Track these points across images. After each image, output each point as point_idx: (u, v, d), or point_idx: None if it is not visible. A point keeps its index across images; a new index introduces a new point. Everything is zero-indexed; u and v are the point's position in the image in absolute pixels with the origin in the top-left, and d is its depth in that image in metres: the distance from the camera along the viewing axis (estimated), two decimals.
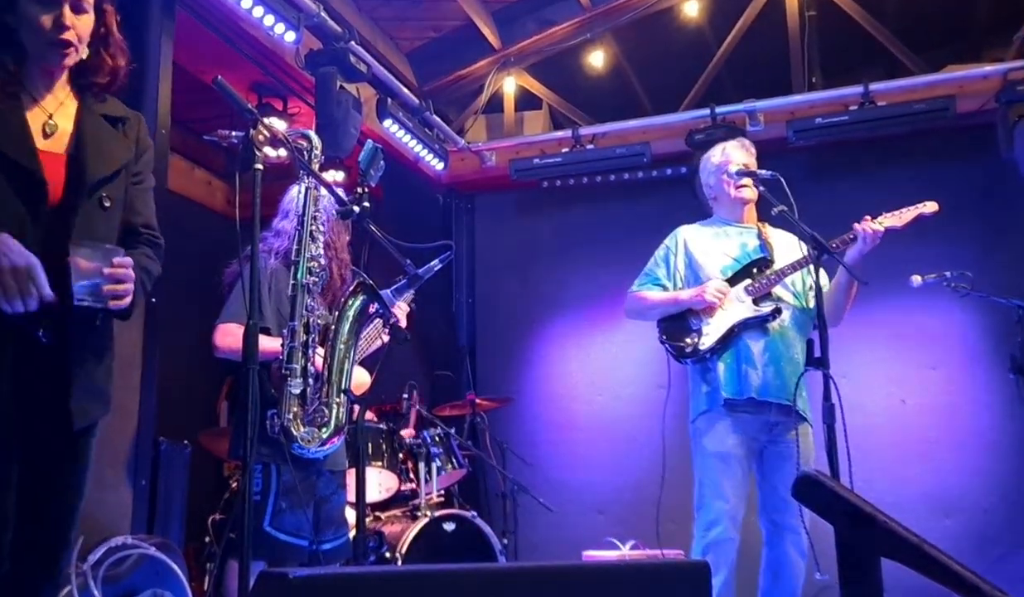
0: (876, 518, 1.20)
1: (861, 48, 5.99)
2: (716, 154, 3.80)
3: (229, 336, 3.05)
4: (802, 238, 3.36)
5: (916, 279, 4.57)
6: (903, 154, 5.46)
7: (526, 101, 6.55)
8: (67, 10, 2.09)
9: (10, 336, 2.00)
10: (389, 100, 5.34)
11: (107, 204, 2.17)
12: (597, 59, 6.23)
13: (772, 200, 3.36)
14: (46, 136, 2.12)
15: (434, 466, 4.70)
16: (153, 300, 3.76)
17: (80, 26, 2.12)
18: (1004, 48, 5.59)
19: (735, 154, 3.73)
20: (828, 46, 5.96)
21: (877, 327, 5.38)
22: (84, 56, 2.18)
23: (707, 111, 5.54)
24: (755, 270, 3.61)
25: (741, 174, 3.58)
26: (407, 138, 5.61)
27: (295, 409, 2.85)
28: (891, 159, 5.47)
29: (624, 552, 4.68)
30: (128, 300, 2.09)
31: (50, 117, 2.14)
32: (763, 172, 3.48)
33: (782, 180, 3.40)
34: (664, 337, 3.68)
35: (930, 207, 3.52)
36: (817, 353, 3.03)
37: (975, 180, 5.39)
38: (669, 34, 6.18)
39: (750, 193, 3.69)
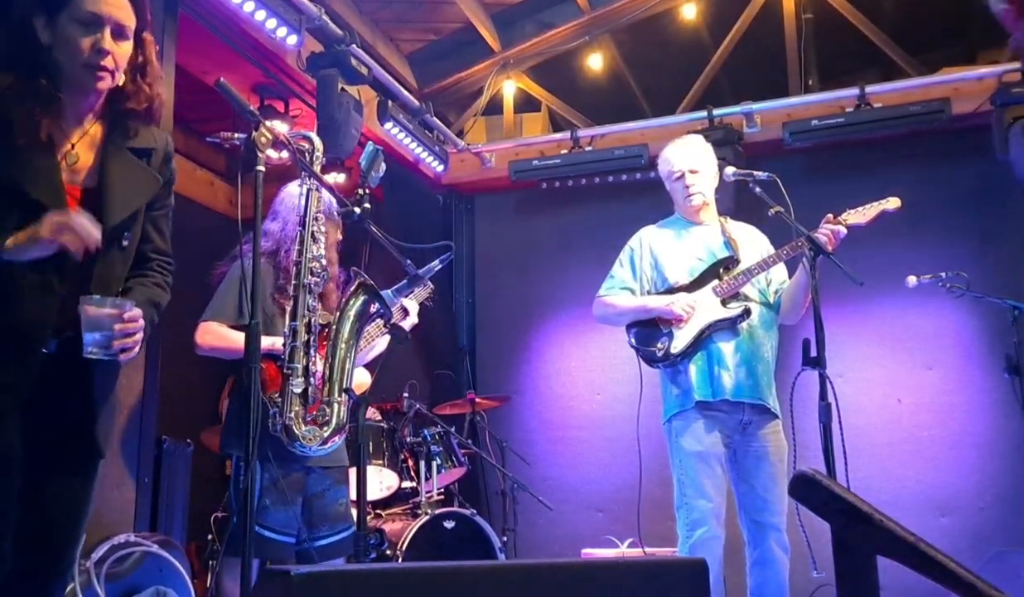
0: (872, 517, 1.19)
1: (857, 51, 6.02)
2: (662, 159, 3.79)
3: (208, 334, 3.10)
4: (799, 238, 3.37)
5: (912, 280, 4.60)
6: (899, 156, 5.47)
7: (525, 103, 6.58)
8: (107, 34, 2.04)
9: (50, 357, 2.03)
10: (390, 102, 5.36)
11: (125, 244, 2.16)
12: (596, 61, 6.26)
13: (768, 201, 3.37)
14: (65, 167, 2.08)
15: (434, 464, 4.73)
16: None
17: (119, 53, 2.07)
18: (999, 50, 5.63)
19: (679, 159, 3.71)
20: (824, 49, 5.99)
21: (873, 327, 5.41)
22: (120, 83, 2.13)
23: (704, 113, 5.56)
24: (722, 270, 3.60)
25: (738, 177, 3.58)
26: (407, 140, 5.63)
27: (296, 408, 2.87)
28: (887, 161, 5.48)
29: (622, 550, 4.71)
30: (136, 351, 2.09)
31: (72, 147, 2.10)
32: (760, 173, 3.48)
33: (778, 181, 3.41)
34: (634, 341, 3.66)
35: (893, 203, 3.50)
36: (813, 353, 3.05)
37: (970, 181, 5.41)
38: (667, 37, 6.22)
39: (699, 201, 3.67)
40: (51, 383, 2.05)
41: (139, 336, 2.07)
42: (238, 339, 2.76)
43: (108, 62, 2.05)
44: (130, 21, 2.08)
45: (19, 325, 2.00)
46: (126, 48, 2.10)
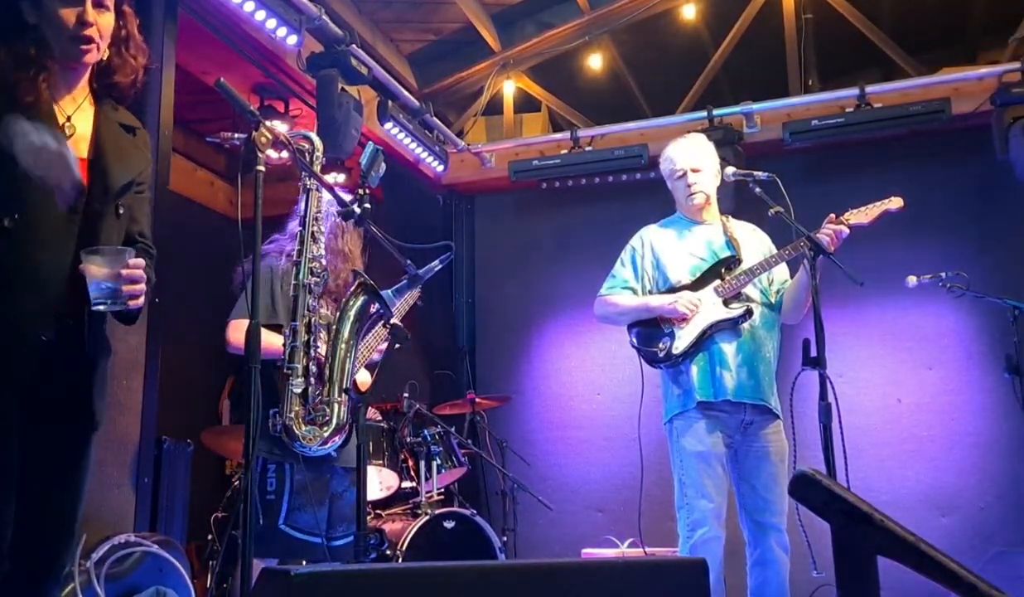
0: (873, 517, 1.19)
1: (857, 51, 6.02)
2: (665, 158, 3.77)
3: (240, 331, 3.09)
4: (798, 239, 3.37)
5: (912, 280, 4.61)
6: (899, 156, 5.48)
7: (525, 103, 6.58)
8: (89, 7, 2.10)
9: (36, 339, 2.03)
10: (390, 103, 5.36)
11: (121, 212, 2.20)
12: (595, 62, 6.26)
13: (769, 201, 3.37)
14: (66, 137, 2.12)
15: (434, 464, 4.72)
16: (156, 300, 3.78)
17: (101, 24, 2.14)
18: (999, 50, 5.64)
19: (681, 158, 3.69)
20: (824, 49, 5.99)
21: (873, 327, 5.41)
22: (104, 56, 2.19)
23: (704, 113, 5.56)
24: (723, 270, 3.58)
25: (737, 177, 3.58)
26: (407, 140, 5.63)
27: (296, 408, 2.87)
28: (887, 161, 5.49)
29: (622, 550, 4.71)
30: (142, 300, 2.11)
31: (68, 119, 2.14)
32: (760, 173, 3.48)
33: (779, 181, 3.41)
34: (636, 341, 3.64)
35: (895, 203, 3.49)
36: (813, 353, 3.04)
37: (970, 181, 5.42)
38: (667, 37, 6.21)
39: (700, 200, 3.66)
40: (49, 372, 2.06)
41: (143, 286, 2.09)
42: (269, 338, 2.77)
43: (92, 33, 2.12)
44: None
45: (20, 315, 2.01)
46: (108, 19, 2.17)
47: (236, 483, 4.68)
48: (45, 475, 2.09)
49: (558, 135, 6.14)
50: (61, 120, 2.13)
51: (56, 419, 2.09)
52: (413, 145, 5.71)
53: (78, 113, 2.18)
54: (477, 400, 5.24)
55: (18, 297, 2.02)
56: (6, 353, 2.01)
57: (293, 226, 3.27)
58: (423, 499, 4.61)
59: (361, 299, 2.96)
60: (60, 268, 2.06)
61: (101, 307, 2.05)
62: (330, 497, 3.13)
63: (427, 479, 4.69)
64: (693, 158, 3.69)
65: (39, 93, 2.06)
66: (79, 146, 2.14)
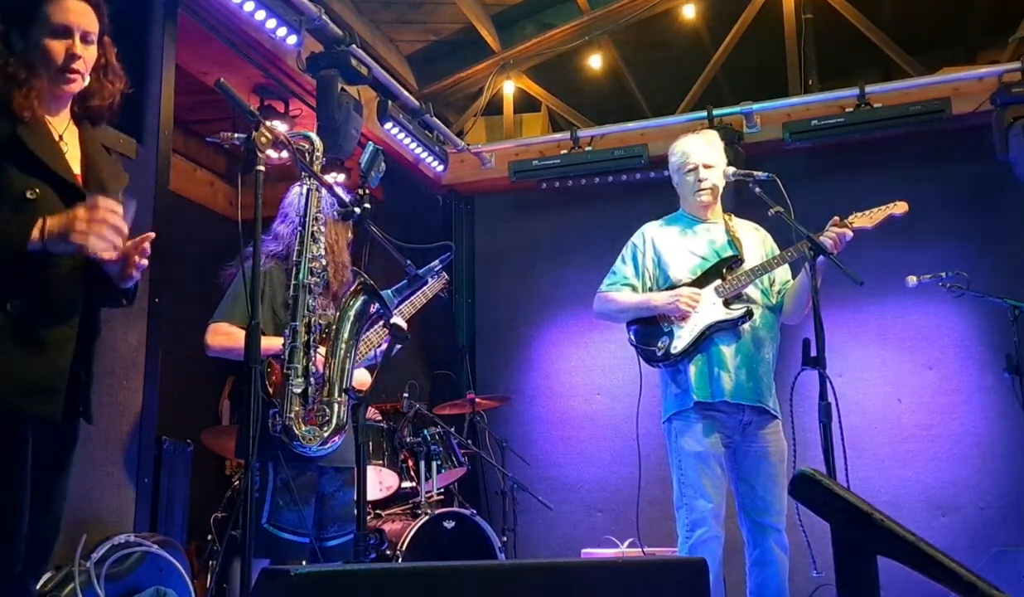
0: (873, 516, 1.19)
1: (857, 51, 6.03)
2: (677, 151, 3.74)
3: (220, 335, 3.10)
4: (799, 239, 3.37)
5: (912, 279, 4.61)
6: (899, 156, 5.48)
7: (525, 103, 6.58)
8: (77, 41, 2.20)
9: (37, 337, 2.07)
10: (390, 103, 5.36)
11: None
12: (595, 62, 6.26)
13: (768, 202, 3.36)
14: (63, 154, 2.19)
15: (434, 464, 4.73)
16: (156, 300, 3.78)
17: (87, 56, 2.24)
18: (999, 50, 5.64)
19: (695, 152, 3.65)
20: (824, 49, 6.00)
21: (873, 327, 5.41)
22: (86, 83, 2.28)
23: (704, 113, 5.56)
24: (725, 269, 3.56)
25: (737, 177, 3.57)
26: (407, 140, 5.63)
27: (296, 408, 2.87)
28: (887, 161, 5.49)
29: (622, 550, 4.71)
30: (109, 253, 2.10)
31: (60, 137, 2.22)
32: (760, 173, 3.47)
33: (779, 181, 3.41)
34: (635, 339, 3.62)
35: (900, 207, 3.50)
36: (813, 353, 3.04)
37: (970, 181, 5.42)
38: (667, 37, 6.22)
39: (708, 197, 3.64)
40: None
41: (115, 238, 2.07)
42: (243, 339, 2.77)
43: (79, 66, 2.21)
44: (94, 28, 2.25)
45: (24, 315, 2.05)
46: (92, 51, 2.27)
47: (236, 483, 4.68)
48: (46, 470, 2.12)
49: (558, 135, 6.14)
50: (55, 137, 2.20)
51: (64, 413, 2.12)
52: (413, 145, 5.71)
53: (66, 132, 2.25)
54: (477, 400, 5.23)
55: (21, 300, 2.04)
56: (7, 351, 2.02)
57: (276, 226, 3.26)
58: (423, 499, 4.61)
59: (361, 299, 2.95)
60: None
61: (97, 252, 2.05)
62: (322, 497, 3.11)
63: (427, 479, 4.69)
64: (706, 154, 3.67)
65: (34, 110, 2.14)
66: (72, 164, 2.22)
